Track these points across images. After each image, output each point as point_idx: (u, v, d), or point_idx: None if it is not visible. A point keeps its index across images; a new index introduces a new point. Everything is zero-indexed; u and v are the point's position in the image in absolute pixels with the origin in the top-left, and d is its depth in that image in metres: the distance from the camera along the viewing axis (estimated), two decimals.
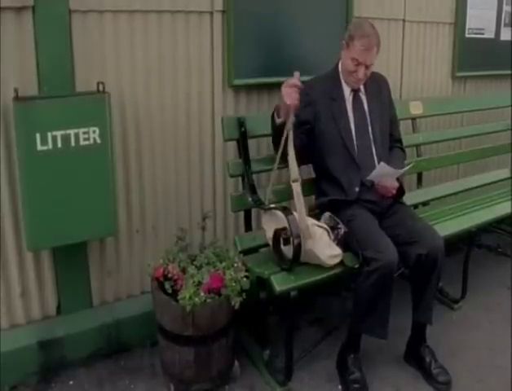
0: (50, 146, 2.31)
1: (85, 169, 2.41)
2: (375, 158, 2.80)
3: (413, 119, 3.53)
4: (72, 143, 2.35)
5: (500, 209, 3.46)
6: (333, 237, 2.55)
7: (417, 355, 2.82)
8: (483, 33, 4.23)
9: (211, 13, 2.84)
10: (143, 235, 2.90)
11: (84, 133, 2.36)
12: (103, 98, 2.42)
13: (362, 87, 2.84)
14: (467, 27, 4.10)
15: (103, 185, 2.46)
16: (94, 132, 2.38)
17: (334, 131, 2.76)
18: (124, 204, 2.78)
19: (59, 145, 2.33)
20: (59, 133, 2.32)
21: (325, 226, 2.54)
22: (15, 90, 2.30)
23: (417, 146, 3.51)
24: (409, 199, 3.12)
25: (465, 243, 3.40)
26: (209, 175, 3.03)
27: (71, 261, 2.69)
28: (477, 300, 3.50)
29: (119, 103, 2.64)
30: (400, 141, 3.06)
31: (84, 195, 2.43)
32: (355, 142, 2.78)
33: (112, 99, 2.49)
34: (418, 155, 3.51)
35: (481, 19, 4.18)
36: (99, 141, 2.40)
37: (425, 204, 3.49)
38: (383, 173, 2.70)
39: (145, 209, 2.86)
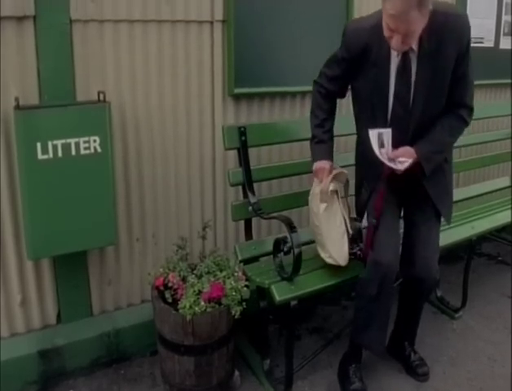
0: (51, 155, 2.31)
1: (85, 177, 2.41)
2: (410, 137, 2.43)
3: None
4: (73, 152, 2.36)
5: (501, 218, 3.47)
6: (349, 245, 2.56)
7: (399, 347, 2.86)
8: (482, 42, 4.24)
9: (211, 23, 2.84)
10: (144, 244, 2.89)
11: (85, 142, 2.37)
12: (104, 107, 2.42)
13: (415, 44, 2.30)
14: None
15: (103, 194, 2.46)
16: (94, 141, 2.38)
17: (367, 99, 2.47)
18: (124, 212, 2.78)
19: (60, 154, 2.33)
20: (59, 142, 2.32)
21: (349, 225, 2.56)
22: (16, 99, 2.30)
23: None
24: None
25: (466, 251, 3.41)
26: (209, 184, 3.03)
27: (71, 270, 2.69)
28: (477, 309, 3.49)
29: (119, 112, 2.65)
30: (463, 104, 2.45)
31: (84, 204, 2.43)
32: (389, 115, 2.43)
33: (113, 108, 2.51)
34: None
35: (480, 29, 4.19)
36: (99, 150, 2.40)
37: None
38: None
39: (145, 218, 2.86)
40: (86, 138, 2.37)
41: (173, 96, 2.81)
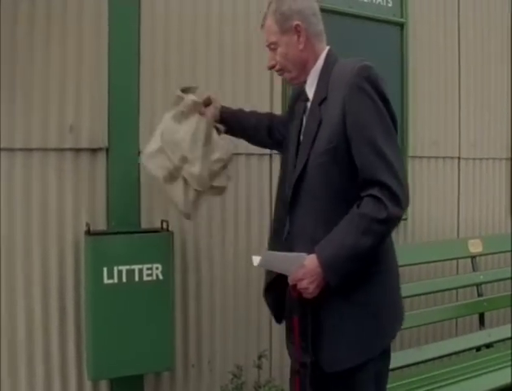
0: (116, 280, 2.42)
1: (146, 303, 2.48)
2: (286, 226, 1.89)
3: (473, 257, 3.45)
4: (136, 278, 2.45)
5: None
6: None
7: None
8: None
9: (270, 155, 3.01)
10: (199, 370, 2.89)
11: (148, 269, 2.47)
12: (168, 236, 2.54)
13: (311, 91, 1.87)
14: None
15: (163, 319, 2.51)
16: (157, 268, 2.48)
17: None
18: (181, 338, 2.81)
19: (124, 279, 2.43)
20: (124, 268, 2.43)
21: None
22: (87, 225, 2.46)
23: (478, 285, 3.41)
24: (471, 341, 2.97)
25: None
26: (266, 313, 2.99)
27: None
28: None
29: (181, 240, 2.76)
30: (374, 181, 1.67)
31: (144, 329, 2.48)
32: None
33: (175, 237, 2.61)
34: (479, 295, 3.40)
35: None
36: (161, 277, 2.48)
37: (488, 346, 3.28)
38: (274, 260, 1.83)
39: (202, 344, 2.88)
40: (149, 265, 2.47)
41: (234, 225, 2.93)
